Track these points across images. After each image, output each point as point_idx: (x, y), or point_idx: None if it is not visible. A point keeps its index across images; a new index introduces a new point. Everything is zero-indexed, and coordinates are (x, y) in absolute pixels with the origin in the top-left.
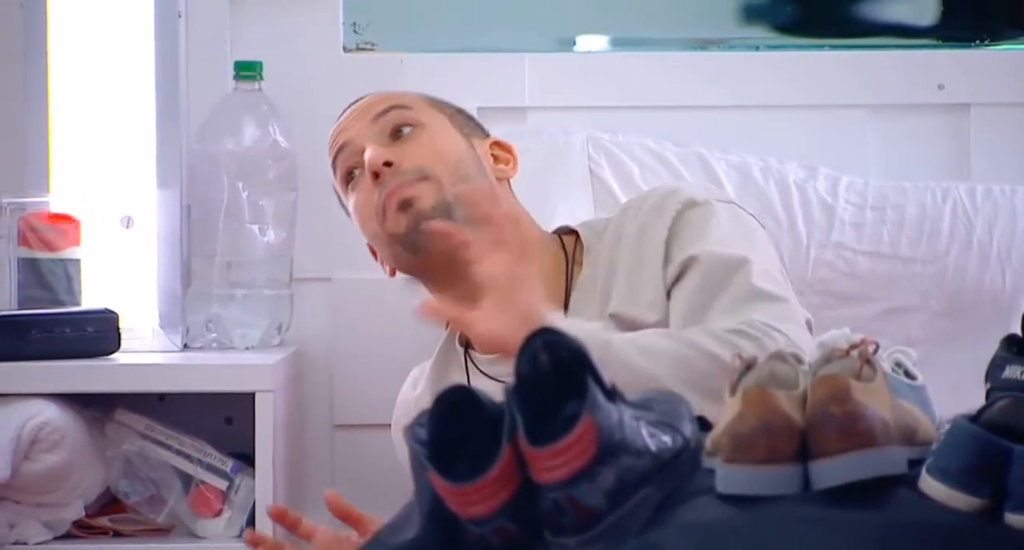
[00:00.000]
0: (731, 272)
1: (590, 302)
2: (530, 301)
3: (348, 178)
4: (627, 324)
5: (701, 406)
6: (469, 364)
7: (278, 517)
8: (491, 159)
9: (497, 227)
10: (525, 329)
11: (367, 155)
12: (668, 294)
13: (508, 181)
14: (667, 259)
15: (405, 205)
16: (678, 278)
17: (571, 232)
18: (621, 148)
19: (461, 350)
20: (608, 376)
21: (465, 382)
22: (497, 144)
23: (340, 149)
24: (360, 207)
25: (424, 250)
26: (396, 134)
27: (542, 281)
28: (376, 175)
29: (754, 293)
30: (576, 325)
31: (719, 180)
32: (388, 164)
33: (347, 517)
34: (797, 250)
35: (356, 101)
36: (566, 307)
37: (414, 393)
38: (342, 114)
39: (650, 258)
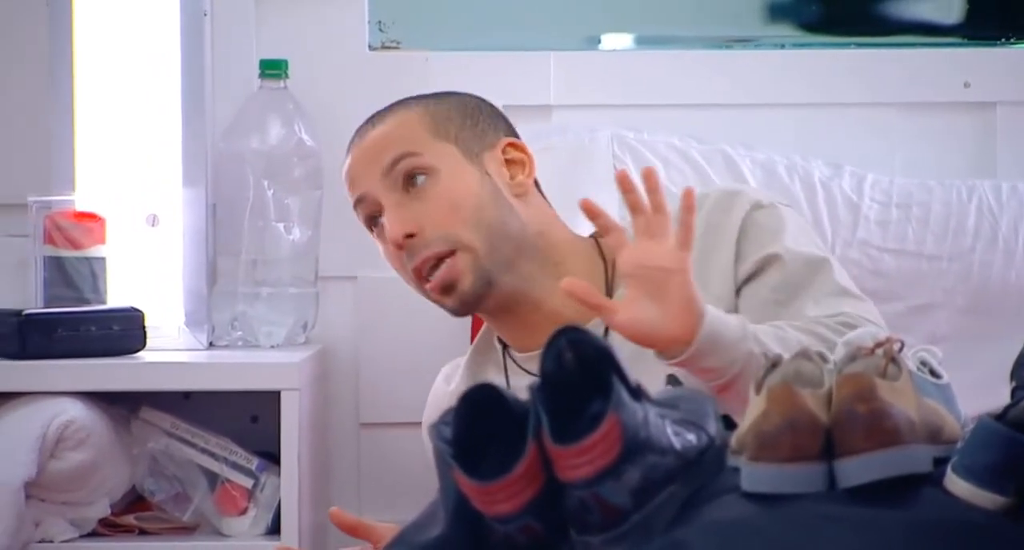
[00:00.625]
0: (813, 270)
1: None
2: (684, 290)
3: (371, 222)
4: None
5: None
6: (508, 361)
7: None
8: (506, 173)
9: (525, 258)
10: (682, 321)
11: (387, 230)
12: (738, 291)
13: (535, 182)
14: (739, 257)
15: (447, 289)
16: (752, 276)
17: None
18: (646, 146)
19: (499, 347)
20: (633, 375)
21: (503, 380)
22: (511, 146)
23: (358, 200)
24: (390, 259)
25: (481, 310)
26: (409, 182)
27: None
28: (400, 247)
29: (839, 290)
30: (729, 318)
31: (744, 177)
32: (410, 236)
33: (354, 530)
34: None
35: (361, 130)
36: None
37: (448, 388)
38: (350, 147)
39: (720, 254)
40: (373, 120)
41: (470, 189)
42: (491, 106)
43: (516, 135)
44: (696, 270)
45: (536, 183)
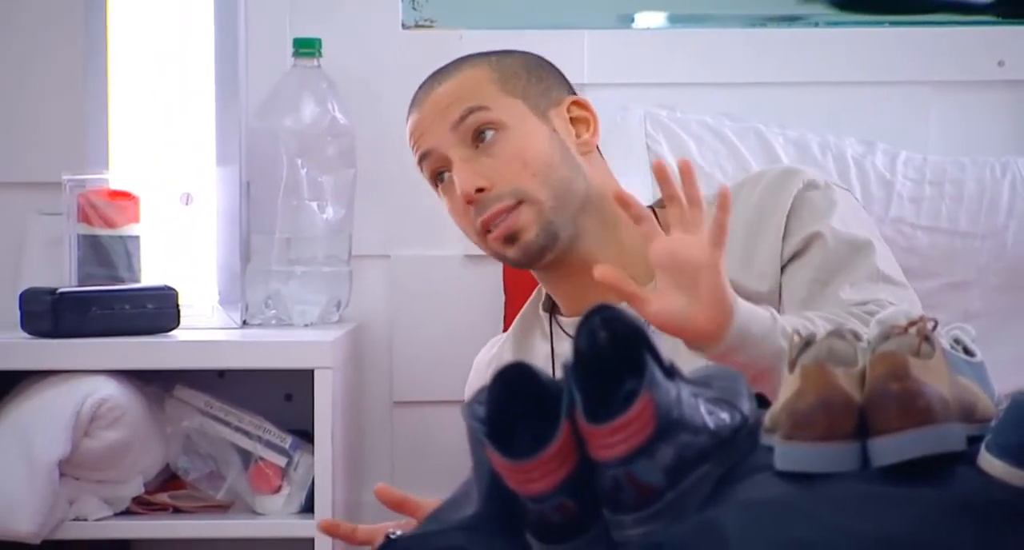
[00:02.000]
0: (855, 252)
1: None
2: (715, 286)
3: (437, 179)
4: (737, 291)
5: None
6: (554, 327)
7: (330, 530)
8: (572, 131)
9: (587, 215)
10: (711, 315)
11: (457, 186)
12: (783, 269)
13: (597, 147)
14: (786, 234)
15: (511, 239)
16: (797, 254)
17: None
18: (679, 124)
19: (545, 316)
20: (667, 353)
21: (547, 346)
22: (576, 104)
23: (424, 155)
24: (455, 214)
25: (540, 265)
26: (478, 137)
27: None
28: (471, 201)
29: (879, 275)
30: (760, 312)
31: (777, 155)
32: (481, 190)
33: (401, 506)
34: None
35: (425, 86)
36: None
37: (489, 361)
38: (413, 104)
39: (769, 231)
40: (437, 77)
41: (539, 145)
42: (552, 65)
43: (574, 91)
44: (745, 245)
45: (597, 147)
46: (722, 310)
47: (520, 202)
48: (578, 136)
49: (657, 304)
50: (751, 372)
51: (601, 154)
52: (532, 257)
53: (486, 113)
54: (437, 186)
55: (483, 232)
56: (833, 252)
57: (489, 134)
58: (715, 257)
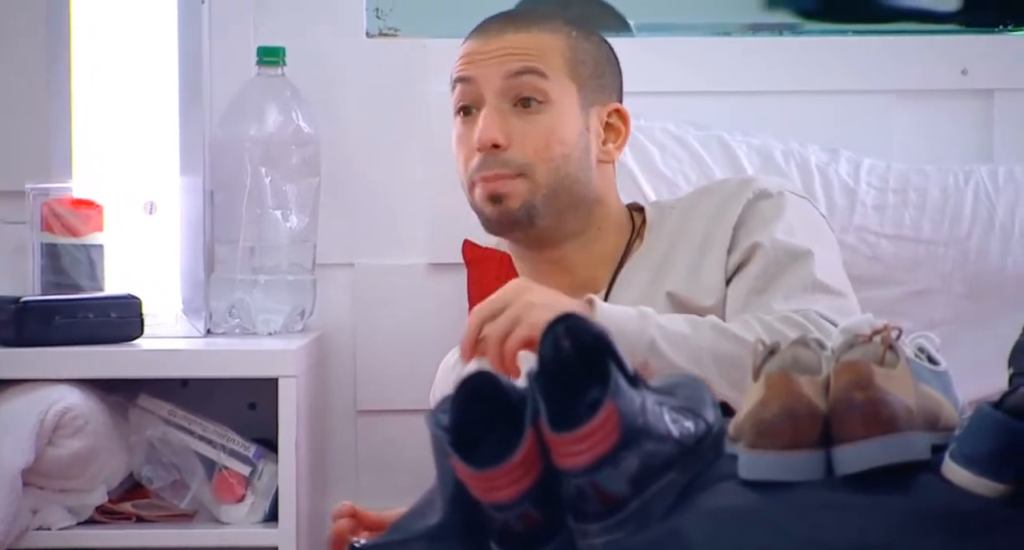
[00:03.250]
0: (793, 261)
1: (640, 275)
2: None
3: (463, 108)
4: (682, 305)
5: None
6: None
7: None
8: (602, 136)
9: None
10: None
11: (480, 129)
12: (728, 281)
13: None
14: (732, 247)
15: (495, 198)
16: (740, 265)
17: (640, 209)
18: (642, 132)
19: None
20: (631, 362)
21: None
22: (617, 112)
23: (464, 80)
24: (461, 146)
25: (513, 237)
26: (523, 100)
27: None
28: (482, 150)
29: (814, 285)
30: (625, 313)
31: (740, 163)
32: (497, 146)
33: (364, 524)
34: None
35: (496, 23)
36: (614, 278)
37: (453, 360)
38: (478, 31)
39: (716, 243)
40: (513, 20)
41: (567, 135)
42: (618, 63)
43: (621, 99)
44: (693, 260)
45: None
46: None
47: (521, 175)
48: (604, 143)
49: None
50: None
51: (614, 168)
52: (503, 226)
53: (543, 81)
54: (459, 112)
55: (474, 181)
56: (772, 262)
57: (533, 103)
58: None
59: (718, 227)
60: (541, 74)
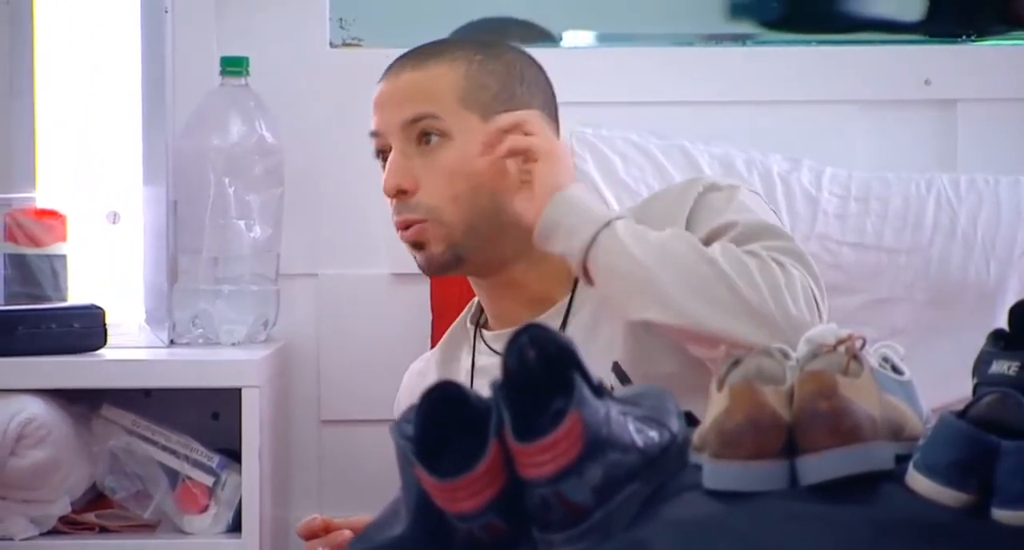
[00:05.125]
0: (764, 230)
1: None
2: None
3: (381, 155)
4: None
5: (699, 313)
6: (477, 342)
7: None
8: (521, 158)
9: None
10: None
11: (384, 177)
12: None
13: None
14: None
15: (417, 245)
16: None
17: None
18: (604, 142)
19: (471, 328)
20: (595, 372)
21: (470, 360)
22: None
23: (374, 133)
24: (384, 191)
25: (436, 275)
26: (424, 138)
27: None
28: (390, 197)
29: (762, 227)
30: (587, 204)
31: (702, 172)
32: (403, 192)
33: (327, 531)
34: None
35: (399, 62)
36: (573, 291)
37: (423, 382)
38: (386, 73)
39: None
40: (415, 56)
41: (473, 167)
42: (538, 74)
43: (553, 110)
44: None
45: None
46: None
47: (431, 219)
48: (525, 161)
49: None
50: (574, 260)
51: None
52: (435, 269)
53: (435, 122)
54: (381, 161)
55: (399, 228)
56: (745, 229)
57: (434, 139)
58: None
59: (670, 225)
60: (433, 116)
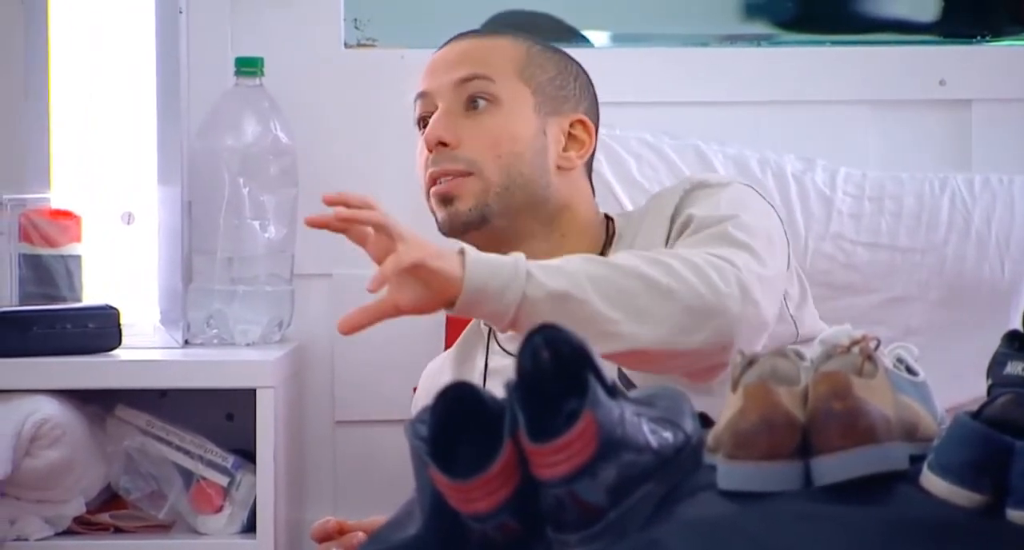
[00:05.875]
0: (715, 222)
1: None
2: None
3: (423, 122)
4: None
5: (641, 330)
6: (491, 343)
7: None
8: (562, 143)
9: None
10: (444, 290)
11: (427, 130)
12: None
13: (587, 167)
14: (668, 237)
15: (446, 200)
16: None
17: (612, 219)
18: (618, 142)
19: (485, 329)
20: (609, 373)
21: (483, 361)
22: (580, 123)
23: (421, 94)
24: (418, 157)
25: (450, 236)
26: (472, 104)
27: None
28: (430, 149)
29: (723, 236)
30: (500, 265)
31: (716, 172)
32: (443, 144)
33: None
34: (795, 242)
35: (461, 35)
36: None
37: (439, 381)
38: (443, 45)
39: (657, 236)
40: (478, 31)
41: (519, 131)
42: (588, 81)
43: (596, 116)
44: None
45: (589, 167)
46: (449, 283)
47: (471, 173)
48: (565, 150)
49: (404, 303)
50: (503, 322)
51: (590, 181)
52: (455, 227)
53: (487, 84)
54: (421, 128)
55: (430, 183)
56: (698, 224)
57: (482, 103)
58: (408, 252)
59: (656, 221)
60: (488, 78)
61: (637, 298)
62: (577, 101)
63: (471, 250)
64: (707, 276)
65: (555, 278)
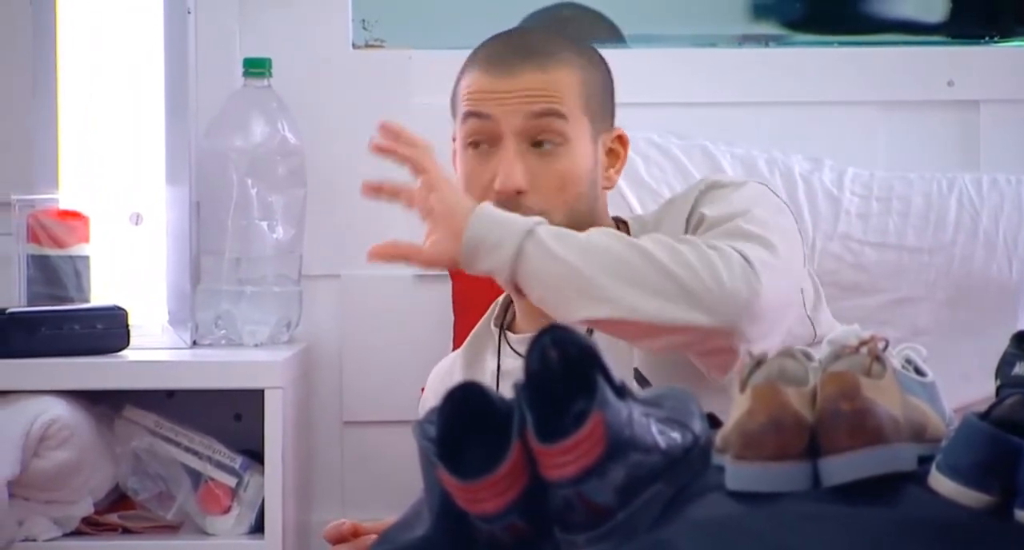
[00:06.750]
0: (726, 220)
1: None
2: (447, 215)
3: (474, 141)
4: None
5: (635, 301)
6: (502, 344)
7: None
8: (606, 163)
9: None
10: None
11: (502, 176)
12: None
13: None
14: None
15: None
16: None
17: (624, 222)
18: None
19: (496, 331)
20: (617, 373)
21: (494, 362)
22: (619, 138)
23: (480, 115)
24: (471, 178)
25: None
26: (539, 143)
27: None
28: (504, 195)
29: (734, 231)
30: (504, 215)
31: (724, 172)
32: (520, 193)
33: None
34: (803, 242)
35: (510, 55)
36: None
37: (450, 381)
38: (490, 63)
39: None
40: (531, 55)
41: (583, 170)
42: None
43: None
44: None
45: None
46: (456, 230)
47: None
48: (607, 168)
49: (425, 251)
50: (502, 277)
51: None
52: None
53: (563, 123)
54: (468, 146)
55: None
56: (711, 222)
57: (548, 146)
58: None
59: (672, 221)
60: (562, 116)
61: (637, 272)
62: (613, 112)
63: (487, 206)
64: (710, 258)
65: (561, 242)
